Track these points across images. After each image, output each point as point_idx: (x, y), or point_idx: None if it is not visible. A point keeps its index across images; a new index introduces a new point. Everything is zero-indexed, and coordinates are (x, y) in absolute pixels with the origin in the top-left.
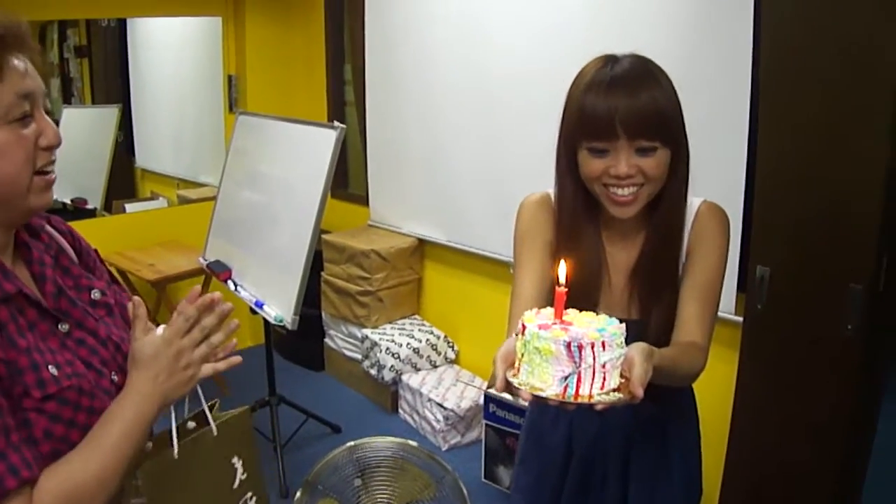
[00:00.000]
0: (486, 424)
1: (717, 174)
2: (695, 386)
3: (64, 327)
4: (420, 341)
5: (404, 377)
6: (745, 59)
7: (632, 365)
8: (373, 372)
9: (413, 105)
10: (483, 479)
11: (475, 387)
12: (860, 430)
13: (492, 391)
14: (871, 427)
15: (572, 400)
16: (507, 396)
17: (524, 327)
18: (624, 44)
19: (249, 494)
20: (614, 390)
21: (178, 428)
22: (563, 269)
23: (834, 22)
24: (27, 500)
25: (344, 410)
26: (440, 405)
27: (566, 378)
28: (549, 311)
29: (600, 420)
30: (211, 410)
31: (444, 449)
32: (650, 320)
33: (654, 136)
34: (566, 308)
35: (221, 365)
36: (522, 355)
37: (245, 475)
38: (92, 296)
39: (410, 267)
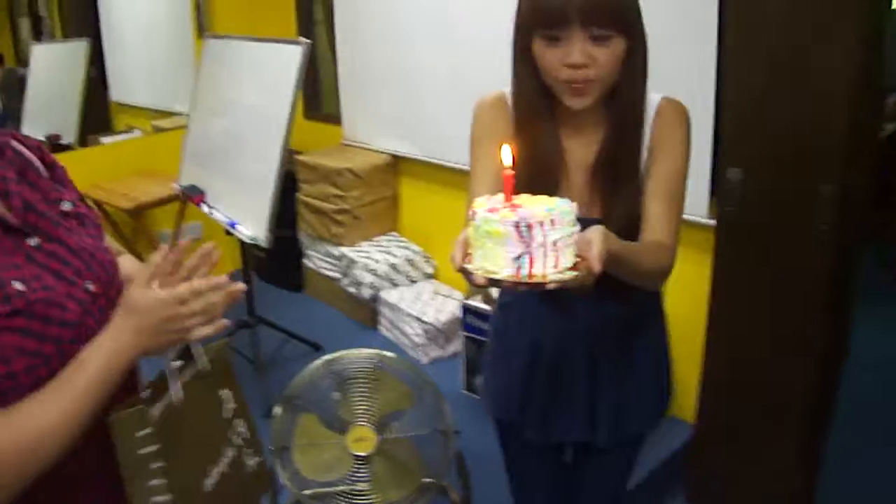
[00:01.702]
0: (465, 336)
1: (688, 75)
2: (668, 290)
3: (33, 241)
4: (397, 257)
5: (383, 293)
6: None
7: (588, 243)
8: (351, 290)
9: (382, 21)
10: (463, 390)
11: (454, 299)
12: (835, 329)
13: (470, 302)
14: (845, 326)
15: (526, 280)
16: (486, 307)
17: (474, 213)
18: None
19: (240, 421)
20: (569, 269)
21: (171, 369)
22: (507, 152)
23: None
24: None
25: (324, 329)
26: (419, 319)
27: (518, 259)
28: (500, 196)
29: (566, 323)
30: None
31: (424, 362)
32: (611, 218)
33: (608, 23)
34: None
35: (209, 329)
36: (475, 240)
37: (234, 404)
38: (62, 207)
39: (385, 184)
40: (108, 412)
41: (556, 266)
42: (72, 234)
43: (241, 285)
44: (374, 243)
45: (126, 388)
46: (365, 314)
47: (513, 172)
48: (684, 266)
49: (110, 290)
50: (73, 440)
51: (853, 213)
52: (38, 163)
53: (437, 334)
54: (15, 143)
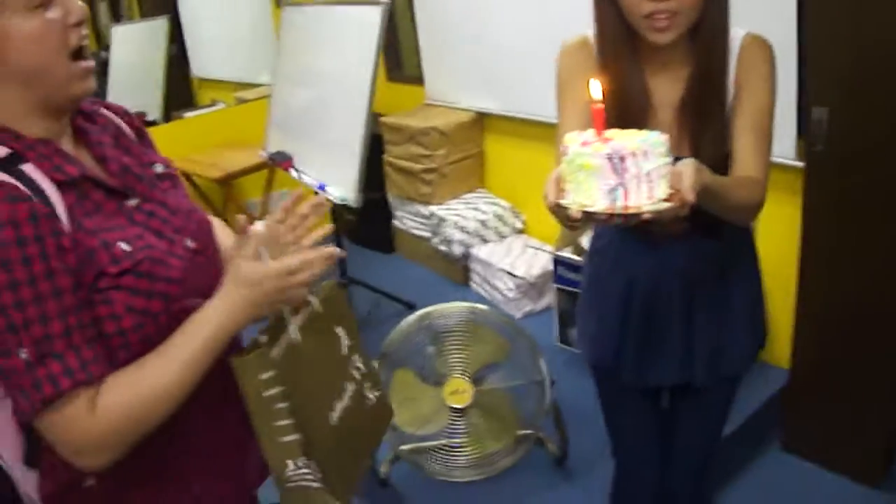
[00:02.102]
0: (557, 288)
1: (769, 14)
2: (759, 233)
3: (133, 202)
4: (487, 213)
5: (473, 250)
6: None
7: (680, 176)
8: (442, 248)
9: None
10: (557, 343)
11: (544, 252)
12: None
13: (561, 254)
14: None
15: (621, 211)
16: (577, 258)
17: (566, 148)
18: None
19: (357, 356)
20: (664, 201)
21: (287, 311)
22: (596, 87)
23: None
24: (88, 402)
25: (417, 288)
26: (511, 274)
27: (613, 190)
28: (591, 131)
29: (659, 262)
30: None
31: (517, 317)
32: (699, 156)
33: None
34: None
35: (313, 299)
36: (568, 175)
37: (349, 341)
38: (155, 170)
39: (471, 140)
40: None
41: (650, 197)
42: (167, 194)
43: (338, 251)
44: (463, 201)
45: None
46: (456, 272)
47: (602, 106)
48: (774, 208)
49: (208, 249)
50: (182, 401)
51: None
52: (127, 129)
53: (529, 288)
54: (103, 110)
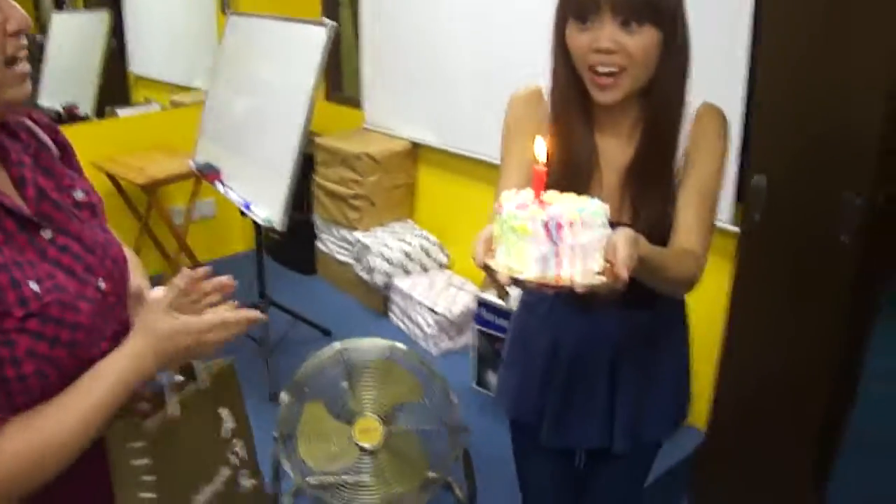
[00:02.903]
0: (478, 329)
1: (717, 81)
2: (688, 296)
3: (47, 234)
4: (412, 245)
5: (396, 281)
6: None
7: (616, 248)
8: (364, 275)
9: (408, 5)
10: (474, 385)
11: (467, 291)
12: (854, 341)
13: (484, 295)
14: (865, 339)
15: (552, 282)
16: (499, 301)
17: (501, 207)
18: None
19: (239, 441)
20: (597, 274)
21: (170, 385)
22: (541, 146)
23: None
24: None
25: (335, 314)
26: (431, 309)
27: (544, 259)
28: (529, 191)
29: (588, 326)
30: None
31: (434, 354)
32: (640, 223)
33: (639, 11)
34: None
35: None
36: (500, 236)
37: (233, 424)
38: (75, 196)
39: (404, 170)
40: None
41: (583, 269)
42: (84, 226)
43: (263, 316)
44: (389, 230)
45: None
46: (377, 301)
47: (545, 168)
48: (705, 272)
49: (120, 287)
50: (82, 450)
51: (880, 225)
52: (51, 144)
53: (449, 326)
54: (29, 123)
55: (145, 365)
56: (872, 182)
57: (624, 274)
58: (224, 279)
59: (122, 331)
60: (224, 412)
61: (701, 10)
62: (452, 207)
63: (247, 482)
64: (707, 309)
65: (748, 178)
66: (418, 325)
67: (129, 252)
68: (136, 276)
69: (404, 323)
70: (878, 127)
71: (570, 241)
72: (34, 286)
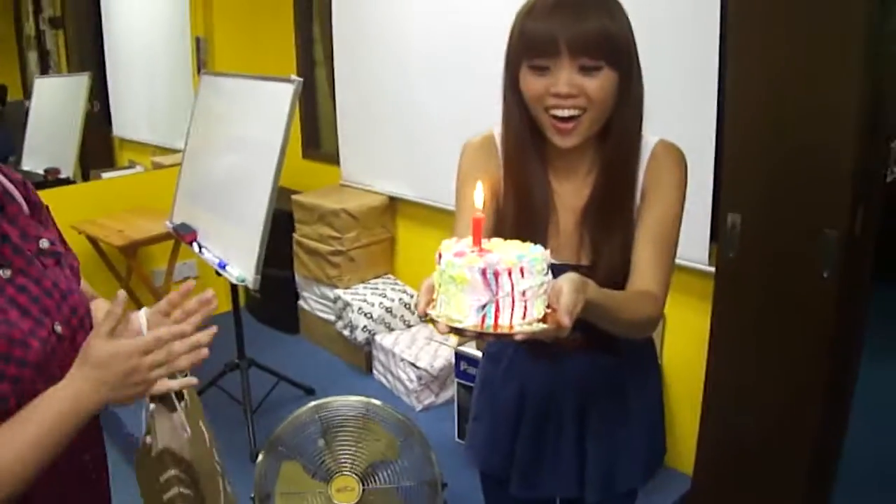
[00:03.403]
0: (458, 383)
1: (688, 120)
2: (667, 338)
3: (5, 273)
4: (393, 301)
5: (377, 337)
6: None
7: (559, 294)
8: (346, 333)
9: (382, 62)
10: (457, 439)
11: (449, 346)
12: (838, 380)
13: (463, 349)
14: (850, 376)
15: (491, 331)
16: (479, 354)
17: (440, 256)
18: None
19: (214, 450)
20: (539, 321)
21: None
22: (479, 192)
23: None
24: None
25: (318, 372)
26: (413, 365)
27: (483, 307)
28: (468, 239)
29: (553, 373)
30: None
31: (418, 409)
32: (600, 264)
33: (597, 54)
34: (490, 237)
35: (175, 384)
36: (440, 285)
37: (209, 435)
38: (40, 245)
39: (382, 225)
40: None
41: (524, 316)
42: (46, 272)
43: (209, 331)
44: (370, 286)
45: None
46: (359, 358)
47: (482, 215)
48: (684, 313)
49: (78, 335)
50: (25, 483)
51: (858, 258)
52: (20, 199)
53: (432, 380)
54: None
55: (82, 395)
56: (847, 216)
57: (565, 320)
58: (207, 294)
59: None
60: (202, 425)
61: (670, 49)
62: (432, 260)
63: (230, 488)
64: (687, 351)
65: (721, 217)
66: (401, 381)
67: (99, 304)
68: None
69: (387, 379)
70: (850, 160)
71: (508, 288)
72: None
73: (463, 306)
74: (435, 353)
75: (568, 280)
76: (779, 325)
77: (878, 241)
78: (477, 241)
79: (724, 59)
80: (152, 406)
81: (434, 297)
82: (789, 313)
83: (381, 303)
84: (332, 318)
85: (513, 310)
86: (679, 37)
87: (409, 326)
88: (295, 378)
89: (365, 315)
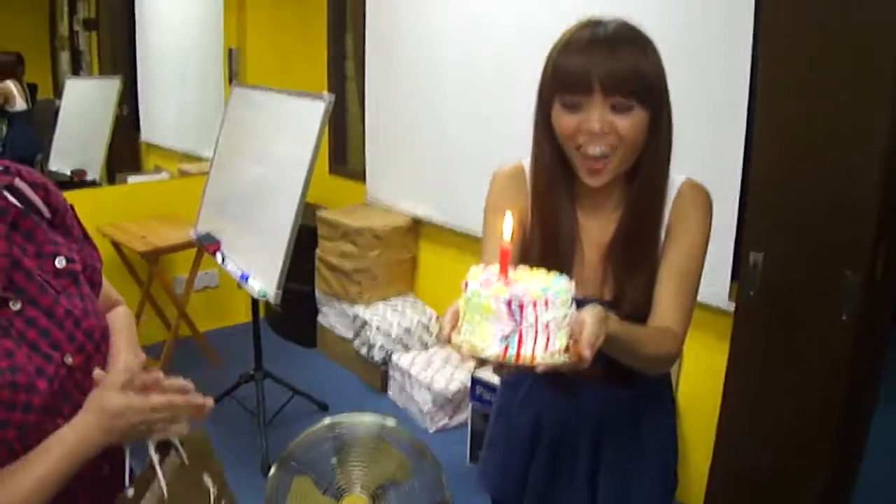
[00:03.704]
0: (473, 407)
1: (714, 158)
2: (684, 375)
3: (16, 306)
4: (412, 321)
5: (394, 357)
6: (745, 39)
7: (582, 326)
8: (363, 351)
9: (412, 82)
10: (469, 463)
11: (466, 368)
12: (854, 421)
13: (479, 374)
14: (865, 418)
15: (513, 361)
16: (495, 379)
17: (467, 284)
18: (626, 14)
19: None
20: (561, 352)
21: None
22: (508, 223)
23: (836, 3)
24: None
25: (333, 389)
26: (428, 387)
27: (507, 337)
28: (495, 268)
29: (570, 404)
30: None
31: (431, 431)
32: (625, 300)
33: (630, 93)
34: (517, 266)
35: (173, 430)
36: (465, 313)
37: (216, 489)
38: (56, 264)
39: (405, 246)
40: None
41: (546, 348)
42: (60, 297)
43: (209, 403)
44: (390, 304)
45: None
46: (375, 376)
47: (510, 246)
48: (702, 351)
49: (94, 359)
50: None
51: (878, 301)
52: (41, 204)
53: (446, 403)
54: (19, 183)
55: (93, 440)
56: (869, 258)
57: (587, 353)
58: (187, 384)
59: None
60: (207, 478)
61: (699, 86)
62: (453, 283)
63: None
64: (702, 389)
65: (743, 256)
66: (416, 402)
67: (121, 317)
68: (123, 351)
69: (402, 399)
70: (875, 204)
71: (532, 319)
72: None
73: (486, 335)
74: (451, 375)
75: (591, 313)
76: (796, 364)
77: None
78: (503, 271)
79: (752, 97)
80: (155, 456)
81: (459, 323)
82: (807, 353)
83: (399, 322)
84: (350, 335)
85: (535, 341)
86: (709, 75)
87: (427, 347)
88: (310, 393)
89: (383, 334)
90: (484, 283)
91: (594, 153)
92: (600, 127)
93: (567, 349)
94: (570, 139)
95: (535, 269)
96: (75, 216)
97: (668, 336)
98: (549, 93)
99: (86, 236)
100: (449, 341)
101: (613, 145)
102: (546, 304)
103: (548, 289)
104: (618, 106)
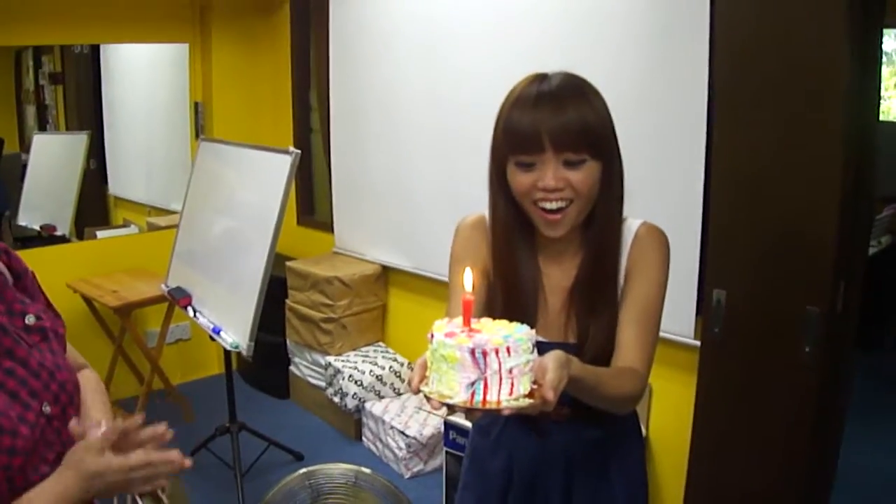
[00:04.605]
0: (447, 452)
1: (674, 197)
2: (653, 411)
3: None
4: (384, 368)
5: (367, 405)
6: (700, 81)
7: (545, 370)
8: (336, 399)
9: (376, 132)
10: None
11: (438, 414)
12: (822, 453)
13: (452, 418)
14: (833, 451)
15: (480, 406)
16: (468, 424)
17: (432, 336)
18: (583, 66)
19: None
20: (526, 396)
21: None
22: (468, 276)
23: (788, 43)
24: None
25: (307, 438)
26: (402, 433)
27: (473, 384)
28: (459, 319)
29: (540, 445)
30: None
31: (406, 477)
32: (587, 342)
33: (581, 148)
34: (481, 316)
35: (148, 487)
36: (432, 363)
37: None
38: (26, 321)
39: (374, 294)
40: None
41: (510, 393)
42: (33, 351)
43: (187, 462)
44: (361, 353)
45: None
46: (349, 425)
47: (472, 297)
48: (670, 386)
49: (68, 410)
50: None
51: (840, 333)
52: (3, 269)
53: (420, 448)
54: None
55: (70, 495)
56: (831, 291)
57: (550, 396)
58: (160, 428)
59: (65, 453)
60: None
61: (657, 128)
62: (423, 329)
63: None
64: (673, 423)
65: (707, 292)
66: (390, 448)
67: (91, 379)
68: (96, 406)
69: (377, 446)
70: (833, 238)
71: (496, 366)
72: None
73: (454, 383)
74: (424, 421)
75: (553, 357)
76: (763, 398)
77: (861, 313)
78: (466, 322)
79: (710, 137)
80: None
81: (427, 373)
82: (773, 386)
83: (371, 370)
84: (323, 384)
85: (500, 386)
86: (666, 116)
87: (399, 394)
88: (285, 443)
89: (355, 382)
90: (448, 334)
91: (551, 208)
92: (555, 183)
93: (531, 393)
94: (525, 196)
95: (497, 319)
96: (36, 281)
97: (631, 375)
98: (502, 152)
99: (48, 305)
100: (418, 391)
101: (569, 198)
102: (508, 351)
103: (509, 336)
104: (570, 161)
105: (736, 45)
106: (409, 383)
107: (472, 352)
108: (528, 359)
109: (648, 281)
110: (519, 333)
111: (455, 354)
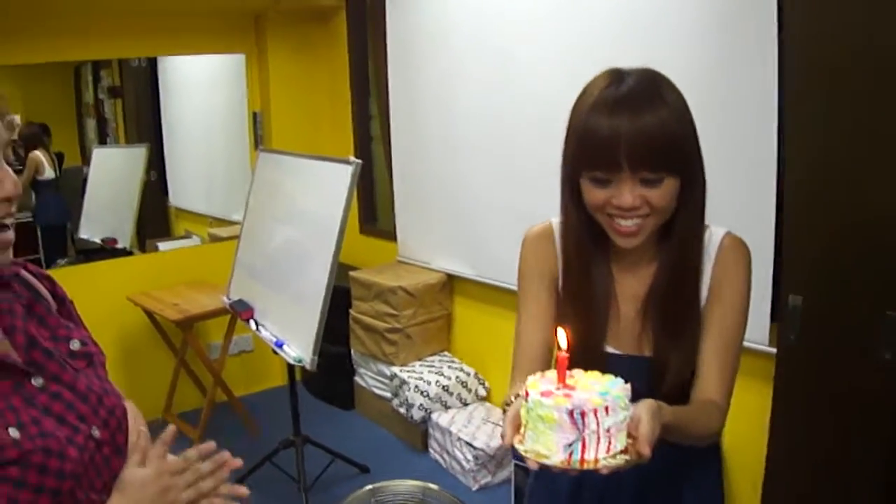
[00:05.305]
0: (515, 464)
1: (747, 201)
2: (730, 420)
3: (38, 382)
4: (450, 378)
5: (434, 416)
6: (771, 78)
7: (639, 423)
8: (402, 410)
9: (438, 139)
10: None
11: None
12: None
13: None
14: None
15: (578, 466)
16: None
17: (527, 394)
18: (646, 62)
19: None
20: (621, 452)
21: None
22: (562, 336)
23: (864, 32)
24: None
25: (373, 450)
26: (470, 444)
27: (570, 445)
28: (552, 375)
29: None
30: None
31: (474, 489)
32: (668, 360)
33: (659, 166)
34: (570, 368)
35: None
36: (527, 422)
37: None
38: (71, 346)
39: (439, 303)
40: None
41: (608, 450)
42: (79, 375)
43: (243, 490)
44: (426, 363)
45: None
46: (415, 436)
47: (566, 355)
48: (744, 395)
49: (117, 437)
50: None
51: None
52: (47, 294)
53: (488, 460)
54: (25, 274)
55: None
56: None
57: (646, 451)
58: (223, 455)
59: (112, 482)
60: None
61: (729, 128)
62: (490, 339)
63: None
64: (748, 433)
65: (782, 298)
66: (457, 460)
67: (130, 406)
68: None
69: (443, 458)
70: None
71: (594, 426)
72: (14, 432)
73: (551, 444)
74: (492, 432)
75: (645, 409)
76: (840, 406)
77: None
78: (562, 380)
79: (782, 138)
80: None
81: (522, 430)
82: (851, 394)
83: (437, 381)
84: (389, 395)
85: (598, 445)
86: (737, 117)
87: (466, 405)
88: (350, 455)
89: (421, 393)
90: (544, 393)
91: (627, 224)
92: (632, 202)
93: (626, 449)
94: (600, 210)
95: (588, 372)
96: (76, 312)
97: (713, 410)
98: (576, 164)
99: (89, 336)
100: (511, 447)
101: (645, 214)
102: (606, 410)
103: (607, 393)
104: (647, 179)
105: (808, 37)
106: (502, 437)
107: (571, 413)
108: (625, 415)
109: (733, 308)
110: (615, 390)
111: (553, 416)
